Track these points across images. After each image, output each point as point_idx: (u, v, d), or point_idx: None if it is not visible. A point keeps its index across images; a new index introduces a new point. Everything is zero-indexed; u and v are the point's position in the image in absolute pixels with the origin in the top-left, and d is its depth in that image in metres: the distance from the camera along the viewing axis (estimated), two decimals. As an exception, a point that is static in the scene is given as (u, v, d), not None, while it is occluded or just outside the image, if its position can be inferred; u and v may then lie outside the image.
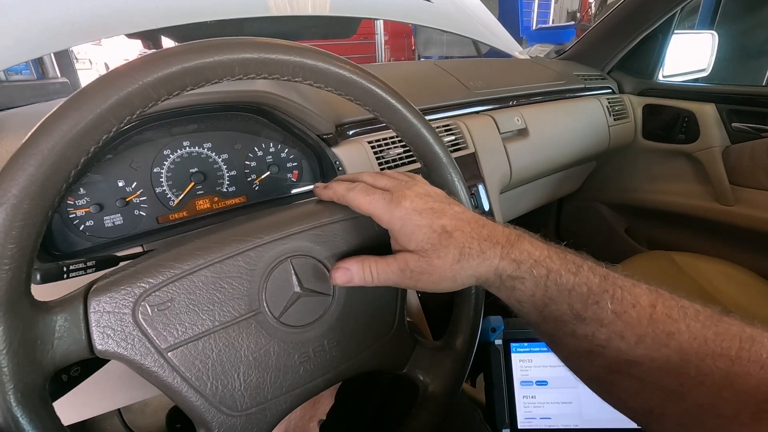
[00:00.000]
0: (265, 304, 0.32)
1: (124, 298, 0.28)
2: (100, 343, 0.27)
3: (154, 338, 0.29)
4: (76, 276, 0.33)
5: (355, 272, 0.33)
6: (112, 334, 0.28)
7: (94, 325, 0.27)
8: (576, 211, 1.46)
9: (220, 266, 0.31)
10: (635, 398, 0.28)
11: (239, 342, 0.31)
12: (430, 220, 0.32)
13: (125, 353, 0.28)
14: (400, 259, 0.33)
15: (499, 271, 0.31)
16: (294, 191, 0.64)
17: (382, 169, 0.68)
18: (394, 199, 0.33)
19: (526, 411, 0.58)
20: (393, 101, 0.35)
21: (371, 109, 0.36)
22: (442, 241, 0.31)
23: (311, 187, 0.65)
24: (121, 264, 0.32)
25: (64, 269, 0.32)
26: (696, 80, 1.29)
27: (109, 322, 0.28)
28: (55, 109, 0.24)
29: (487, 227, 0.33)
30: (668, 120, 1.16)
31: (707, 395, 0.25)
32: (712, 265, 0.96)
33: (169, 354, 0.29)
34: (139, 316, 0.28)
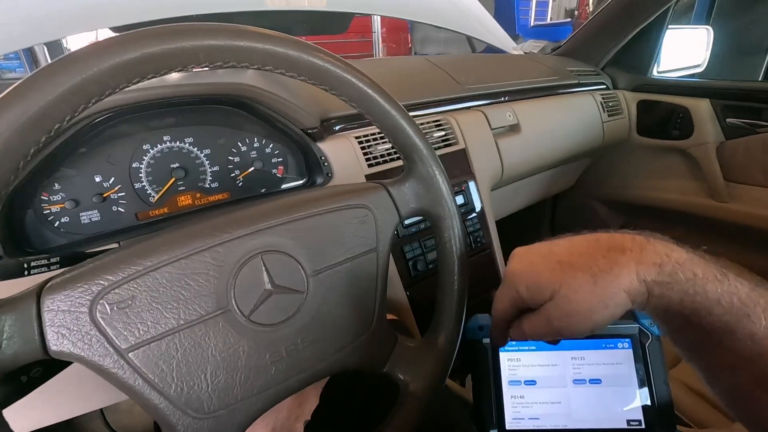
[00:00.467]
0: (233, 302, 0.31)
1: (80, 295, 0.27)
2: (54, 344, 0.26)
3: (114, 338, 0.27)
4: (38, 273, 0.32)
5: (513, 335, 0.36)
6: (67, 334, 0.26)
7: (48, 324, 0.26)
8: (571, 209, 1.45)
9: (185, 262, 0.30)
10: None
11: (206, 341, 0.30)
12: (544, 262, 0.31)
13: (82, 354, 0.27)
14: (542, 312, 0.32)
15: (641, 277, 0.28)
16: (281, 187, 0.63)
17: (369, 166, 0.66)
18: (506, 280, 0.33)
19: (514, 411, 0.57)
20: (369, 90, 0.34)
21: (347, 99, 0.35)
22: (567, 274, 0.29)
23: (298, 182, 0.64)
24: (83, 261, 0.31)
25: (24, 266, 0.31)
26: (692, 76, 1.28)
27: (64, 321, 0.26)
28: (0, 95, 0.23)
29: (603, 239, 0.31)
30: (663, 116, 1.15)
31: None
32: None
33: (129, 354, 0.28)
34: (97, 314, 0.27)
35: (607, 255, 0.29)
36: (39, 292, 0.26)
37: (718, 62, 1.39)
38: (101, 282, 0.27)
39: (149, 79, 0.27)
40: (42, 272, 0.32)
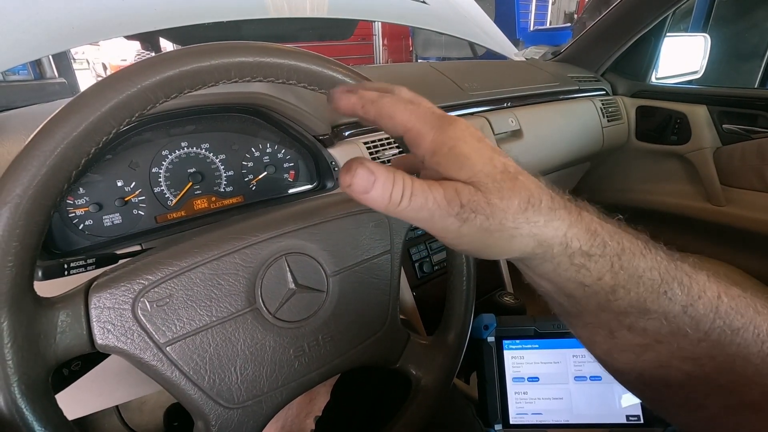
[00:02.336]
0: (260, 300, 0.34)
1: (123, 294, 0.29)
2: (100, 338, 0.28)
3: (153, 333, 0.30)
4: (77, 273, 0.34)
5: (381, 183, 0.22)
6: (112, 329, 0.29)
7: (94, 320, 0.28)
8: (571, 212, 1.47)
9: (217, 263, 0.32)
10: (676, 392, 0.26)
11: (236, 337, 0.33)
12: (489, 153, 0.24)
13: (125, 348, 0.29)
14: (448, 187, 0.23)
15: (567, 240, 0.24)
16: (291, 191, 0.65)
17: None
18: (446, 116, 0.24)
19: (517, 407, 0.59)
20: None
21: None
22: (506, 181, 0.23)
23: (308, 187, 0.67)
24: (121, 261, 0.33)
25: (65, 266, 0.33)
26: (689, 82, 1.31)
27: (110, 317, 0.29)
28: (57, 111, 0.25)
29: (549, 187, 0.26)
30: (661, 121, 1.18)
31: (760, 394, 0.23)
32: (703, 264, 0.98)
33: (167, 348, 0.30)
34: (139, 311, 0.29)
35: (553, 199, 0.25)
36: (86, 291, 0.29)
37: (716, 69, 1.42)
38: (142, 281, 0.30)
39: (186, 94, 0.29)
40: (80, 272, 0.34)
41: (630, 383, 0.28)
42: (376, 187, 0.22)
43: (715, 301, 0.24)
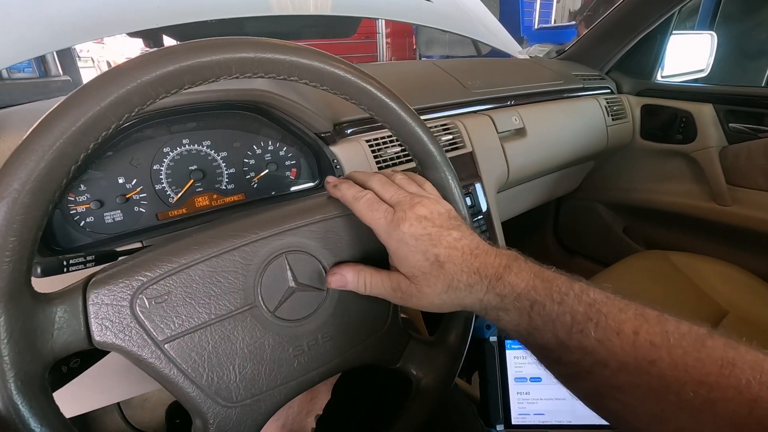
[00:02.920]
0: (260, 298, 0.33)
1: (122, 290, 0.29)
2: (98, 335, 0.28)
3: (152, 330, 0.29)
4: (76, 270, 0.34)
5: (350, 280, 0.36)
6: (110, 326, 0.28)
7: (92, 316, 0.28)
8: (574, 211, 1.46)
9: (216, 261, 0.32)
10: (621, 419, 0.29)
11: (235, 335, 0.32)
12: (424, 248, 0.33)
13: (123, 344, 0.29)
14: (393, 279, 0.35)
15: (484, 304, 0.33)
16: (292, 189, 0.65)
17: (380, 168, 0.68)
18: (394, 220, 0.34)
19: (519, 407, 0.59)
20: (387, 100, 0.36)
21: (366, 108, 0.36)
22: (433, 271, 0.33)
23: (310, 184, 0.66)
24: (120, 259, 0.33)
25: (64, 263, 0.33)
26: (695, 81, 1.30)
27: (108, 314, 0.28)
28: (55, 105, 0.25)
29: (480, 258, 0.33)
30: (666, 120, 1.17)
31: (688, 420, 0.25)
32: (708, 264, 0.97)
33: (165, 346, 0.30)
34: (137, 308, 0.29)
35: (470, 276, 0.32)
36: (85, 287, 0.28)
37: (722, 67, 1.41)
38: (140, 278, 0.29)
39: (186, 89, 0.29)
40: (79, 269, 0.34)
41: (589, 407, 0.32)
42: (349, 284, 0.36)
43: (631, 337, 0.28)
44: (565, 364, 0.30)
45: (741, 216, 1.07)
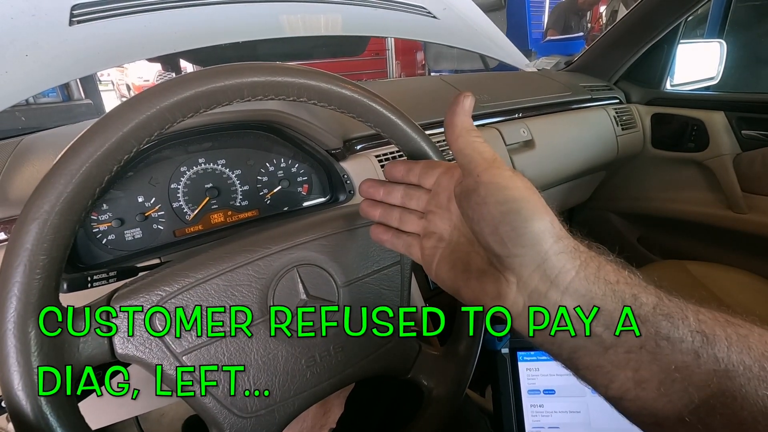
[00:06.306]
0: (273, 311, 0.34)
1: (142, 305, 0.30)
2: (120, 347, 0.30)
3: (170, 342, 0.31)
4: (100, 285, 0.36)
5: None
6: (131, 339, 0.30)
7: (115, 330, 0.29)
8: (587, 221, 1.45)
9: (230, 275, 0.33)
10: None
11: (249, 346, 0.33)
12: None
13: (143, 357, 0.30)
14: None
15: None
16: (304, 204, 0.66)
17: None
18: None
19: (534, 420, 0.58)
20: (392, 117, 0.37)
21: (373, 125, 0.38)
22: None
23: (321, 200, 0.68)
24: (140, 274, 0.35)
25: (89, 279, 0.34)
26: (706, 89, 1.29)
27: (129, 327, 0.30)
28: (82, 132, 0.27)
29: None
30: (677, 129, 1.16)
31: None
32: (726, 273, 0.95)
33: (184, 357, 0.31)
34: (157, 321, 0.31)
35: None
36: (108, 302, 0.30)
37: (733, 75, 1.39)
38: (160, 293, 0.31)
39: (202, 113, 0.30)
40: (102, 284, 0.36)
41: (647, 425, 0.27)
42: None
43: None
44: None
45: (758, 223, 1.05)
